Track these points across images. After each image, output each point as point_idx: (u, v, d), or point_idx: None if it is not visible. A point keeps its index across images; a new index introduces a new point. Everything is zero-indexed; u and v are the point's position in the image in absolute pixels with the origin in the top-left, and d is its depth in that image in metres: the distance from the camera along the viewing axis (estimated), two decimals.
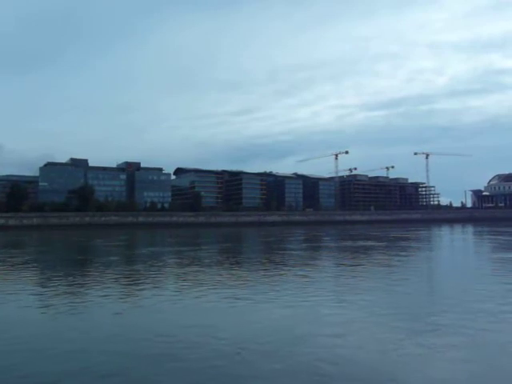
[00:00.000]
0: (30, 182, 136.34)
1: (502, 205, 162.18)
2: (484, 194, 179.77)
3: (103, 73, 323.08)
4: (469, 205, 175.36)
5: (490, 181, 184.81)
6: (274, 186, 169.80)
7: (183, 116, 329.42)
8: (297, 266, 22.99)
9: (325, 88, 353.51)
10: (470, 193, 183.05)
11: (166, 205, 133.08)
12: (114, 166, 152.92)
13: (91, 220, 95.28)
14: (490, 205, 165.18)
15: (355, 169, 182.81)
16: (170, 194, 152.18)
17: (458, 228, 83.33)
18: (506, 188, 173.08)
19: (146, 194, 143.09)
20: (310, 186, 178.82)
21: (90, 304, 13.53)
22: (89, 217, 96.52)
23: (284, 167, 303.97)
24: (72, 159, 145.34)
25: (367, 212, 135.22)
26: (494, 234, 55.41)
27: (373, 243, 40.48)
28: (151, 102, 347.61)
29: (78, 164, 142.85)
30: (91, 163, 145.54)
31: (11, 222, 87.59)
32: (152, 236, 63.82)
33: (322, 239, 51.59)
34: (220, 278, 18.77)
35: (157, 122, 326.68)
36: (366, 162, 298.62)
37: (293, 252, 32.85)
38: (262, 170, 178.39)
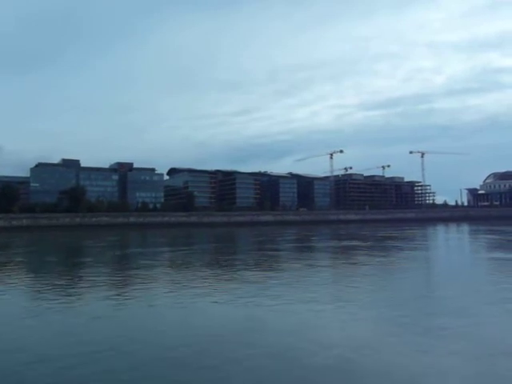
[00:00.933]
0: (22, 182, 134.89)
1: (498, 203, 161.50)
2: (479, 192, 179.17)
3: (103, 73, 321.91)
4: (465, 203, 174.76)
5: (485, 179, 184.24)
6: (268, 186, 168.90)
7: (183, 116, 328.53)
8: (261, 268, 22.47)
9: (324, 88, 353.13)
10: (466, 191, 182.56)
11: (159, 205, 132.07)
12: (107, 166, 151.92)
13: (82, 221, 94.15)
14: (486, 203, 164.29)
15: (350, 168, 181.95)
16: (162, 194, 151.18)
17: (452, 227, 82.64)
18: (502, 186, 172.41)
19: (138, 194, 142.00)
20: (304, 185, 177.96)
21: None
22: (79, 217, 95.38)
23: (282, 167, 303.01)
24: (64, 160, 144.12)
25: (361, 211, 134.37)
26: (485, 233, 54.78)
27: (357, 243, 39.71)
28: (151, 102, 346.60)
29: (70, 164, 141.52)
30: (85, 164, 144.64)
31: (0, 223, 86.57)
32: (142, 236, 62.91)
33: (309, 239, 50.77)
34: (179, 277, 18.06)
35: (157, 122, 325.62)
36: (365, 162, 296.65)
37: (268, 252, 32.19)
38: (260, 170, 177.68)
